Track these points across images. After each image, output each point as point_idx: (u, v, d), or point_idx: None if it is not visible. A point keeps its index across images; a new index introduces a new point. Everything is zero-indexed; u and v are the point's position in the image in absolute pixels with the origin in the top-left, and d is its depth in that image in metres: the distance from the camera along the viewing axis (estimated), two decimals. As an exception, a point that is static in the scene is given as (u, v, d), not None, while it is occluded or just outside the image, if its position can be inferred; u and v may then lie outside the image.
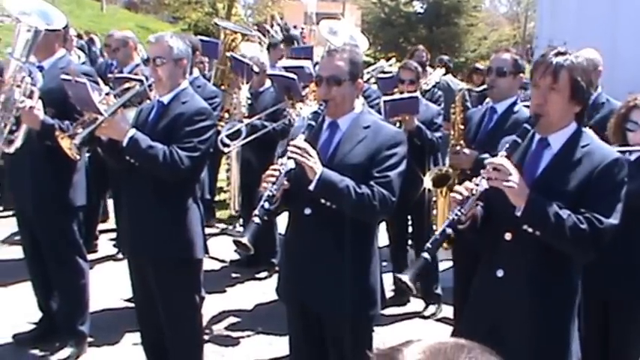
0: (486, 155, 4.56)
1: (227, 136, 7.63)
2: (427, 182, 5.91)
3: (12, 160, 5.90)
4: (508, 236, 3.62)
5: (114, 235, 9.03)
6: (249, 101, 7.96)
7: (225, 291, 7.93)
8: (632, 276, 4.69)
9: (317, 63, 8.50)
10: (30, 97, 5.46)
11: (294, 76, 7.40)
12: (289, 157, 3.93)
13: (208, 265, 7.60)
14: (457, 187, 3.57)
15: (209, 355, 5.84)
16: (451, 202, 3.57)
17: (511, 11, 60.13)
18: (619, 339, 4.83)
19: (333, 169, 4.01)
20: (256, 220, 3.84)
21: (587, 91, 3.60)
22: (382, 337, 4.75)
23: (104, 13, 34.91)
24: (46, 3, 5.75)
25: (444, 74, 11.04)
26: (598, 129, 4.95)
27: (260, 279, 8.32)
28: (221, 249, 8.53)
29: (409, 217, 7.50)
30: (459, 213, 3.47)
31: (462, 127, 5.85)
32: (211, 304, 7.04)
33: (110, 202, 9.53)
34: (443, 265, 7.57)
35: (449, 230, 3.49)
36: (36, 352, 6.13)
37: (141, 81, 5.36)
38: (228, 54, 8.97)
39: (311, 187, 3.93)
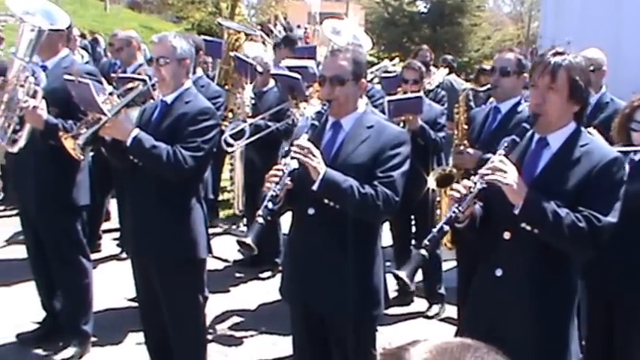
0: (490, 155, 4.56)
1: (231, 136, 7.63)
2: (431, 182, 5.90)
3: (15, 160, 5.90)
4: (507, 235, 3.62)
5: (117, 234, 9.03)
6: (253, 101, 7.96)
7: (228, 291, 7.93)
8: (636, 275, 4.68)
9: (319, 63, 8.48)
10: (33, 96, 5.46)
11: (298, 76, 7.40)
12: (292, 157, 3.93)
13: (212, 264, 7.59)
14: (455, 185, 3.57)
15: (212, 354, 5.84)
16: (449, 200, 3.56)
17: (515, 11, 60.10)
18: (623, 339, 4.82)
19: (336, 169, 4.00)
20: (260, 220, 3.84)
21: (585, 90, 3.60)
22: (386, 337, 4.75)
23: (108, 13, 34.98)
24: (50, 3, 5.75)
25: (448, 74, 11.03)
26: (602, 129, 4.95)
27: (263, 279, 8.31)
28: (225, 249, 8.53)
29: (413, 217, 7.51)
30: (457, 210, 3.47)
31: (466, 126, 5.84)
32: (215, 304, 7.03)
33: (113, 202, 9.54)
34: (446, 265, 7.57)
35: (446, 227, 3.49)
36: (39, 351, 6.13)
37: (144, 81, 5.36)
38: (231, 54, 8.97)
39: (314, 187, 3.93)
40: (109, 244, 9.13)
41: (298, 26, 37.11)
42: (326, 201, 4.01)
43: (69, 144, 4.89)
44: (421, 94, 7.18)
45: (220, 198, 11.17)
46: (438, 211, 6.16)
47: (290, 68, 8.24)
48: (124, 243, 7.86)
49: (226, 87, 8.79)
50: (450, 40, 33.80)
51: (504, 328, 3.56)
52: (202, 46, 8.62)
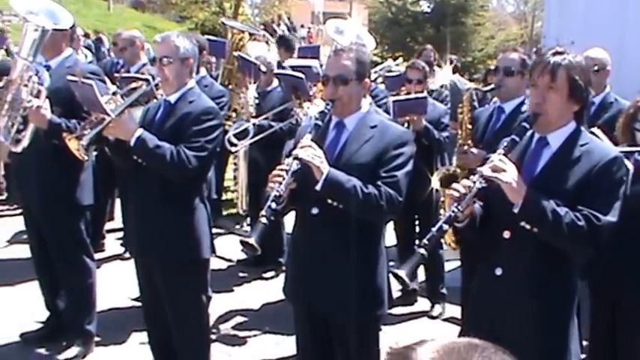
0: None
1: (234, 136, 7.63)
2: (435, 182, 5.90)
3: (19, 160, 5.91)
4: (507, 234, 3.62)
5: (121, 234, 9.04)
6: (257, 101, 7.96)
7: (232, 290, 7.93)
8: (639, 275, 4.68)
9: (321, 65, 8.49)
10: (37, 96, 5.47)
11: (302, 76, 7.39)
12: (296, 157, 3.93)
13: (215, 264, 7.60)
14: (454, 185, 3.57)
15: (216, 354, 5.84)
16: (449, 199, 3.56)
17: (518, 10, 60.02)
18: (626, 338, 4.83)
19: (339, 168, 4.00)
20: (263, 220, 3.83)
21: (585, 90, 3.59)
22: (389, 337, 4.74)
23: (111, 13, 34.98)
24: (53, 2, 5.75)
25: (452, 74, 11.02)
26: (606, 129, 4.95)
27: (267, 278, 8.32)
28: (228, 248, 8.52)
29: (416, 217, 7.50)
30: (456, 210, 3.47)
31: (470, 126, 5.84)
32: (218, 304, 7.03)
33: (117, 202, 9.55)
34: (450, 265, 7.57)
35: (446, 227, 3.49)
36: (43, 351, 6.14)
37: (147, 80, 5.36)
38: (235, 53, 8.97)
39: (318, 187, 3.92)
40: (112, 244, 9.14)
41: (302, 26, 37.10)
42: (329, 201, 4.00)
43: (73, 145, 4.89)
44: (426, 94, 7.17)
45: (224, 198, 11.17)
46: (442, 211, 6.15)
47: (294, 68, 8.24)
48: (127, 243, 7.87)
49: (230, 87, 8.80)
50: (454, 40, 33.78)
51: (504, 327, 3.55)
52: (206, 46, 8.63)
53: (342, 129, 4.24)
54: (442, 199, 6.20)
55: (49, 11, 5.60)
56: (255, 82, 8.04)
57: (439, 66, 11.03)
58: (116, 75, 8.30)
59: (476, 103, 7.09)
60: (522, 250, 3.57)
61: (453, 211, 3.47)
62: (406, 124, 6.60)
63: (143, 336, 5.62)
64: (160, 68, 4.97)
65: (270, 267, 8.41)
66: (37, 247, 6.16)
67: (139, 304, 5.74)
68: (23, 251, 7.18)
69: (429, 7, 37.76)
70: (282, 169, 3.94)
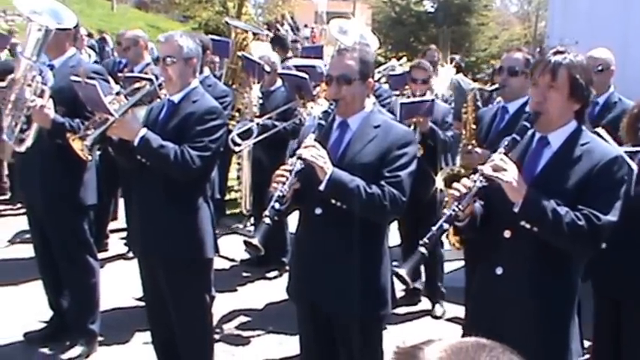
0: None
1: (238, 136, 7.63)
2: (439, 182, 5.89)
3: (23, 159, 5.91)
4: (507, 234, 3.62)
5: (124, 234, 9.04)
6: (261, 100, 7.96)
7: (235, 290, 7.93)
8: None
9: (325, 65, 8.49)
10: (41, 96, 5.47)
11: (305, 76, 7.39)
12: (299, 157, 3.92)
13: (219, 264, 7.60)
14: (455, 184, 3.57)
15: (219, 354, 5.85)
16: (449, 198, 3.56)
17: (522, 10, 59.96)
18: (630, 338, 4.81)
19: (343, 168, 4.00)
20: (267, 220, 3.83)
21: (586, 89, 3.58)
22: (393, 337, 4.74)
23: (115, 12, 34.98)
24: (57, 2, 5.76)
25: (455, 73, 11.01)
26: (610, 129, 4.94)
27: (270, 278, 8.32)
28: (231, 248, 8.52)
29: (421, 217, 7.50)
30: (457, 209, 3.47)
31: (474, 126, 5.83)
32: (222, 304, 7.03)
33: (121, 201, 9.56)
34: (452, 265, 7.57)
35: (446, 226, 3.50)
36: (46, 350, 6.14)
37: (150, 80, 5.35)
38: (239, 53, 8.97)
39: (321, 187, 3.92)
40: (116, 244, 9.15)
41: (305, 26, 37.14)
42: (333, 201, 4.00)
43: (77, 145, 4.89)
44: (433, 97, 7.18)
45: (227, 197, 11.17)
46: (445, 211, 6.15)
47: (298, 67, 8.24)
48: (130, 242, 7.87)
49: (234, 86, 8.80)
50: (457, 40, 33.75)
51: (505, 326, 3.54)
52: (210, 46, 8.63)
53: (345, 129, 4.24)
54: (446, 199, 6.20)
55: (53, 11, 5.61)
56: (258, 82, 8.03)
57: (442, 66, 11.02)
58: (119, 74, 8.31)
59: (479, 103, 7.09)
60: (523, 249, 3.57)
61: (454, 210, 3.47)
62: (412, 126, 6.59)
63: (146, 336, 5.63)
64: (163, 68, 4.97)
65: (274, 267, 8.42)
66: (41, 247, 6.17)
67: (142, 303, 5.74)
68: (27, 251, 7.19)
69: (432, 6, 37.73)
70: (285, 169, 3.94)
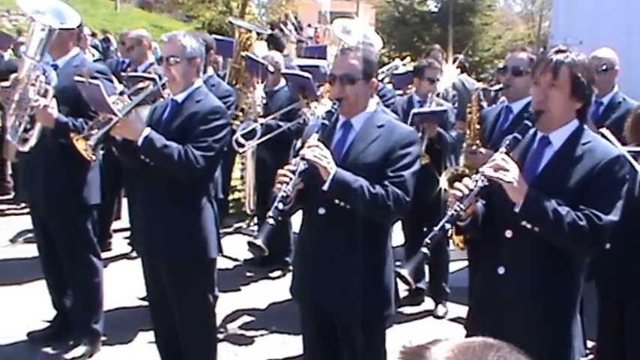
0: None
1: (242, 136, 7.63)
2: (443, 182, 5.89)
3: (26, 159, 5.92)
4: (509, 233, 3.61)
5: (128, 233, 9.05)
6: (264, 100, 7.96)
7: (239, 290, 7.93)
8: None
9: (329, 65, 8.49)
10: (44, 95, 5.47)
11: (309, 75, 7.39)
12: (303, 158, 3.92)
13: (222, 263, 7.60)
14: (457, 184, 3.56)
15: (223, 354, 5.84)
16: (451, 198, 3.56)
17: (526, 10, 59.95)
18: (635, 339, 4.81)
19: (346, 168, 3.99)
20: (270, 221, 3.83)
21: (588, 87, 3.58)
22: (396, 337, 4.73)
23: (118, 12, 35.04)
24: (60, 2, 5.76)
25: (459, 73, 10.99)
26: (615, 129, 4.92)
27: (274, 278, 8.33)
28: (235, 248, 8.52)
29: (425, 217, 7.49)
30: (459, 209, 3.46)
31: (478, 126, 5.83)
32: (225, 303, 7.03)
33: (124, 201, 9.56)
34: (456, 265, 7.56)
35: (448, 226, 3.49)
36: (50, 350, 6.14)
37: (154, 80, 5.35)
38: (243, 53, 8.97)
39: (325, 188, 3.92)
40: (119, 243, 9.15)
41: (309, 25, 37.13)
42: (336, 201, 4.00)
43: (80, 145, 4.89)
44: (446, 108, 7.20)
45: (231, 197, 11.17)
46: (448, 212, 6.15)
47: (302, 68, 8.23)
48: (134, 242, 7.88)
49: (237, 86, 8.79)
50: (461, 40, 33.74)
51: (507, 326, 3.53)
52: (213, 45, 8.63)
53: (349, 129, 4.23)
54: (450, 199, 6.20)
55: (56, 10, 5.61)
56: (262, 82, 8.03)
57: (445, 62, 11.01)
58: (123, 74, 8.31)
59: (483, 103, 7.09)
60: (525, 249, 3.56)
61: (456, 210, 3.47)
62: (421, 133, 6.62)
63: (150, 335, 5.62)
64: (166, 68, 4.96)
65: (277, 266, 8.42)
66: (44, 247, 6.17)
67: (145, 303, 5.74)
68: (30, 250, 7.20)
69: (436, 6, 37.71)
70: (289, 170, 3.94)
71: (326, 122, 4.09)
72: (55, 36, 5.51)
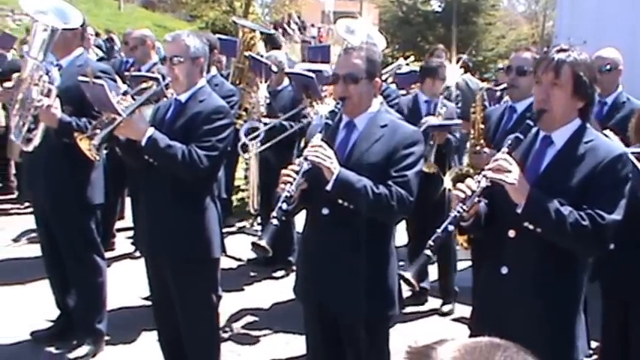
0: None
1: (245, 135, 7.65)
2: (447, 182, 5.89)
3: (30, 159, 5.92)
4: (512, 233, 3.60)
5: (131, 233, 9.05)
6: (268, 100, 7.96)
7: (242, 290, 7.93)
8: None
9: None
10: (47, 95, 5.47)
11: (313, 75, 7.38)
12: (306, 158, 3.91)
13: (226, 263, 7.60)
14: (459, 185, 3.55)
15: (226, 354, 5.84)
16: (453, 200, 3.55)
17: (529, 10, 59.87)
18: (638, 338, 4.80)
19: (350, 168, 3.99)
20: (274, 221, 3.82)
21: (590, 86, 3.57)
22: (399, 337, 4.72)
23: (122, 12, 35.04)
24: (63, 2, 5.75)
25: (463, 73, 10.98)
26: (618, 129, 4.92)
27: (277, 278, 8.33)
28: (238, 247, 8.53)
29: (429, 217, 7.49)
30: (461, 210, 3.46)
31: (482, 126, 5.83)
32: (228, 303, 7.03)
33: (127, 200, 9.57)
34: (461, 265, 7.56)
35: (451, 227, 3.48)
36: (53, 349, 6.15)
37: (157, 80, 5.35)
38: (246, 53, 8.96)
39: (328, 188, 3.91)
40: (122, 243, 9.15)
41: (312, 25, 37.20)
42: (340, 201, 3.99)
43: (84, 145, 4.89)
44: (461, 121, 7.23)
45: (234, 197, 11.17)
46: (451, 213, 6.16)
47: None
48: (137, 242, 7.88)
49: (241, 85, 8.79)
50: (465, 39, 33.73)
51: (510, 326, 3.53)
52: (217, 45, 8.63)
53: (352, 128, 4.23)
54: (453, 200, 6.20)
55: (59, 10, 5.61)
56: (266, 82, 8.03)
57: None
58: (126, 74, 8.31)
59: (487, 103, 7.09)
60: (528, 249, 3.55)
61: (459, 212, 3.46)
62: (431, 142, 6.68)
63: (153, 335, 5.62)
64: (170, 67, 4.96)
65: (281, 266, 8.42)
66: (48, 246, 6.17)
67: (149, 303, 5.74)
68: (34, 250, 7.20)
69: (439, 6, 37.73)
70: (292, 170, 3.93)
71: (329, 122, 4.09)
72: (59, 36, 5.52)
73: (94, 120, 5.11)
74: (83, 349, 6.02)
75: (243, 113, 8.20)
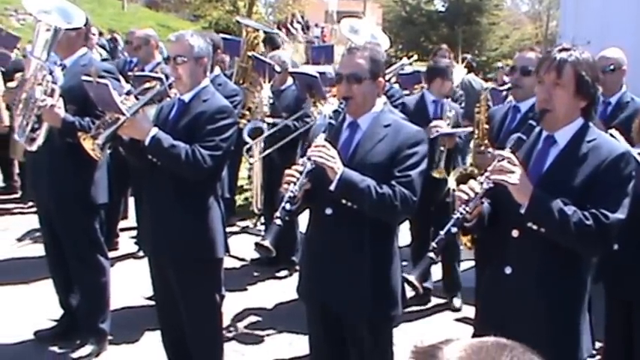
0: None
1: (249, 135, 7.66)
2: (451, 182, 5.89)
3: (34, 158, 5.92)
4: (515, 233, 3.59)
5: (135, 232, 9.05)
6: (271, 100, 7.96)
7: (245, 289, 7.93)
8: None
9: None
10: (51, 95, 5.47)
11: (316, 74, 7.38)
12: (309, 158, 3.91)
13: (229, 263, 7.60)
14: (462, 186, 3.55)
15: (229, 353, 5.84)
16: (456, 201, 3.55)
17: (533, 10, 59.93)
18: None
19: (353, 168, 3.98)
20: (278, 222, 3.82)
21: (592, 86, 3.56)
22: (403, 337, 4.72)
23: (125, 12, 35.10)
24: (67, 1, 5.76)
25: (466, 73, 10.99)
26: (622, 129, 4.91)
27: (280, 278, 8.32)
28: (242, 247, 8.52)
29: (433, 217, 7.49)
30: (464, 211, 3.46)
31: (487, 126, 5.82)
32: (232, 303, 7.03)
33: (131, 200, 9.57)
34: (465, 265, 7.55)
35: (454, 230, 3.48)
36: (56, 349, 6.15)
37: (161, 79, 5.35)
38: (249, 53, 8.96)
39: (331, 188, 3.91)
40: (126, 243, 9.15)
41: (316, 25, 37.19)
42: (343, 201, 3.99)
43: (88, 144, 4.89)
44: (472, 129, 7.26)
45: (238, 196, 11.17)
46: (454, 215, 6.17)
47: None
48: (141, 241, 7.88)
49: (244, 85, 8.79)
50: (468, 39, 33.72)
51: (514, 325, 3.52)
52: (220, 45, 8.62)
53: (355, 128, 4.22)
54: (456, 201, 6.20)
55: (62, 10, 5.61)
56: (269, 82, 8.04)
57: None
58: (130, 73, 8.31)
59: (490, 103, 7.09)
60: (531, 248, 3.55)
61: (462, 214, 3.46)
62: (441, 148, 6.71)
63: (156, 335, 5.62)
64: (173, 67, 4.95)
65: (284, 266, 8.41)
66: (51, 246, 6.17)
67: (152, 302, 5.74)
68: (37, 250, 7.21)
69: (443, 6, 37.73)
70: (296, 169, 3.93)
71: (333, 122, 4.08)
72: (62, 36, 5.52)
73: (97, 119, 5.10)
74: (86, 349, 6.02)
75: (247, 113, 8.21)
